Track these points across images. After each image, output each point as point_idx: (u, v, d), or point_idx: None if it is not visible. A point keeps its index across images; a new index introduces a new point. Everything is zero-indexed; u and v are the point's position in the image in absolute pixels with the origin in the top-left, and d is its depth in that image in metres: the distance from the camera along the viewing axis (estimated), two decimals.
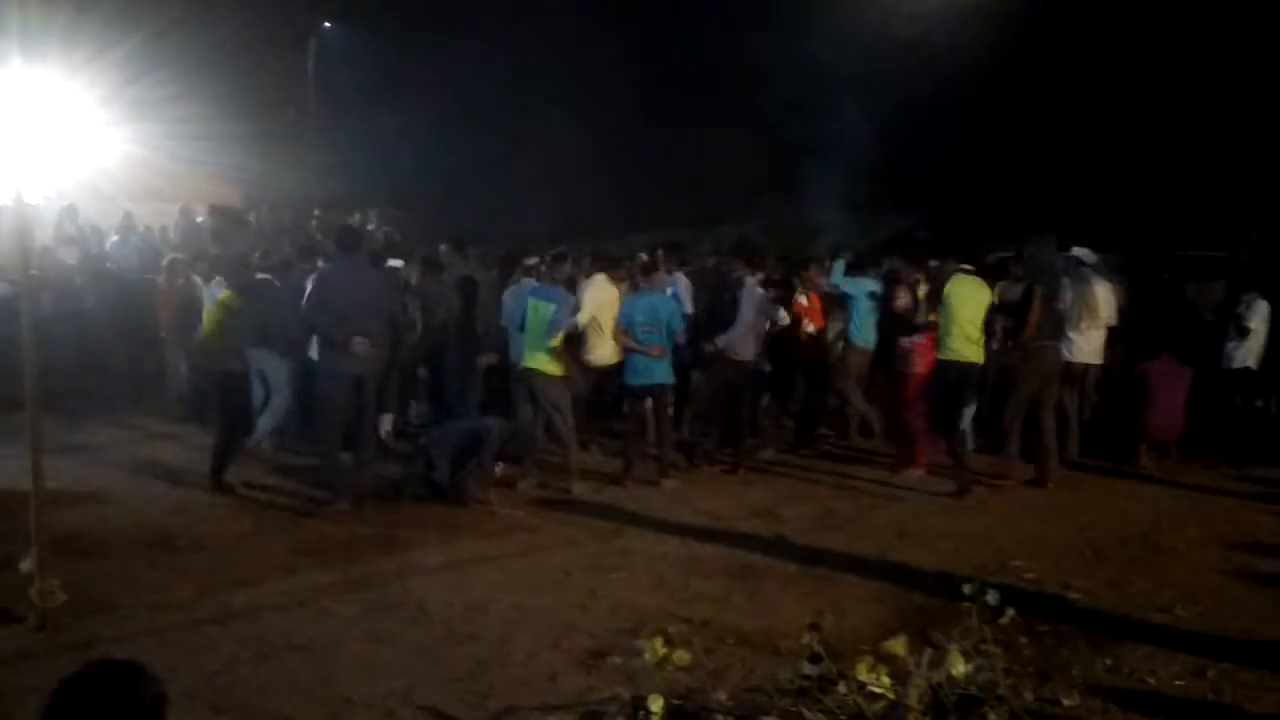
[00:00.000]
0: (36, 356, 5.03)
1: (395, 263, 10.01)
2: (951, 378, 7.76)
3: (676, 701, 3.88)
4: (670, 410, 8.41)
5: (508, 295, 8.75)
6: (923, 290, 8.58)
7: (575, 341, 8.20)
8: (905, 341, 8.37)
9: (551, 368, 7.86)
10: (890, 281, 8.74)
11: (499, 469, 7.69)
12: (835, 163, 18.00)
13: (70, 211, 13.86)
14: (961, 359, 7.68)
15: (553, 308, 7.86)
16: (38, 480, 4.96)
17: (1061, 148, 17.93)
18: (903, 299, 8.53)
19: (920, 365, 8.23)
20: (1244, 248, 9.95)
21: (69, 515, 6.69)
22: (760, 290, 8.50)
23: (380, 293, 7.51)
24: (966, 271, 7.89)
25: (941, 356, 7.80)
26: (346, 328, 6.98)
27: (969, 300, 7.69)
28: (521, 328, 8.03)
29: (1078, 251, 9.03)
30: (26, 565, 4.95)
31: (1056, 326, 8.11)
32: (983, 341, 7.78)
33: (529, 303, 7.97)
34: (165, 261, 10.89)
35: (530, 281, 8.72)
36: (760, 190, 21.70)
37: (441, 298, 9.36)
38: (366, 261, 8.20)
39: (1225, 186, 15.37)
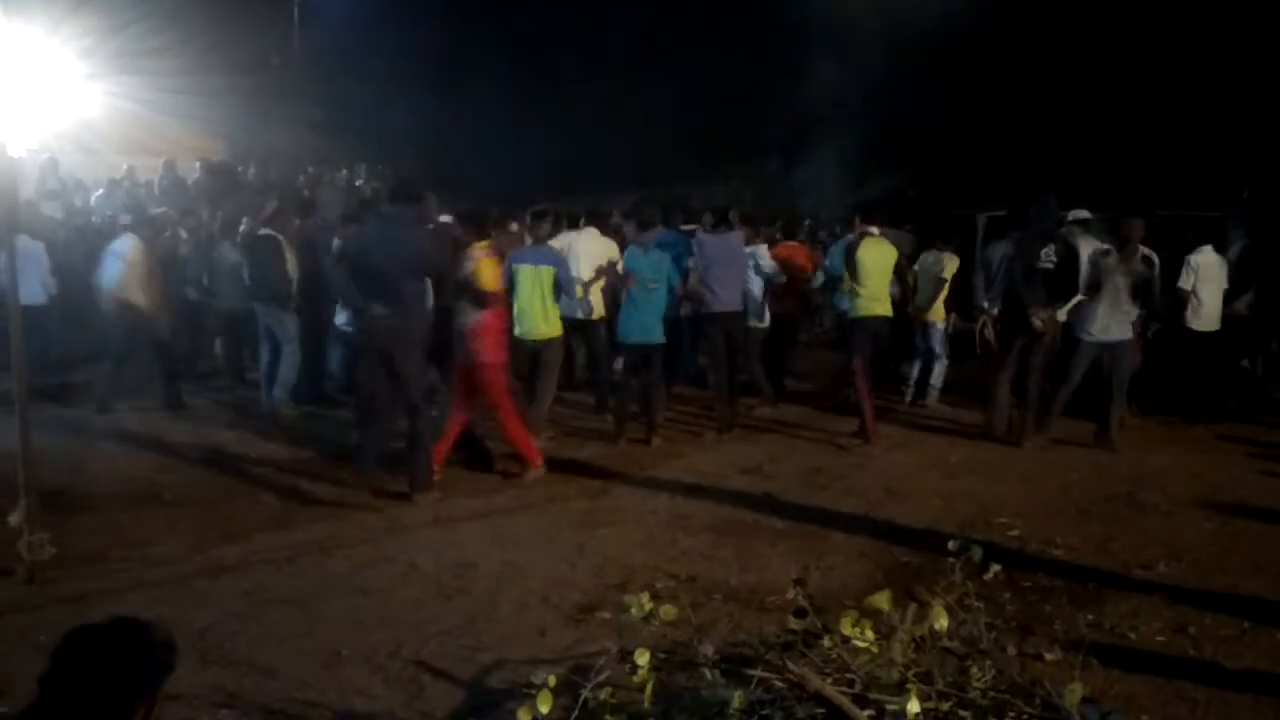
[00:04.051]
0: (20, 311, 5.00)
1: (446, 218, 8.09)
2: (869, 330, 8.18)
3: (663, 655, 3.92)
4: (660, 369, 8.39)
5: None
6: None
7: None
8: (464, 321, 6.82)
9: (557, 330, 7.75)
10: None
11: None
12: (827, 121, 17.92)
13: (51, 164, 13.71)
14: (874, 315, 8.14)
15: (553, 270, 7.57)
16: (25, 433, 4.94)
17: (1054, 106, 17.84)
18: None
19: (489, 353, 6.80)
20: (1235, 206, 9.92)
21: (57, 470, 6.68)
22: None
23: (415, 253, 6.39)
24: (874, 235, 8.17)
25: (857, 314, 8.17)
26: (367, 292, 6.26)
27: (879, 262, 8.08)
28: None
29: (1074, 213, 8.99)
30: (15, 518, 4.96)
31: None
32: (889, 299, 8.25)
33: (522, 268, 7.54)
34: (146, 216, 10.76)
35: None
36: (753, 148, 21.59)
37: None
38: (411, 217, 6.68)
39: (1220, 145, 15.33)
